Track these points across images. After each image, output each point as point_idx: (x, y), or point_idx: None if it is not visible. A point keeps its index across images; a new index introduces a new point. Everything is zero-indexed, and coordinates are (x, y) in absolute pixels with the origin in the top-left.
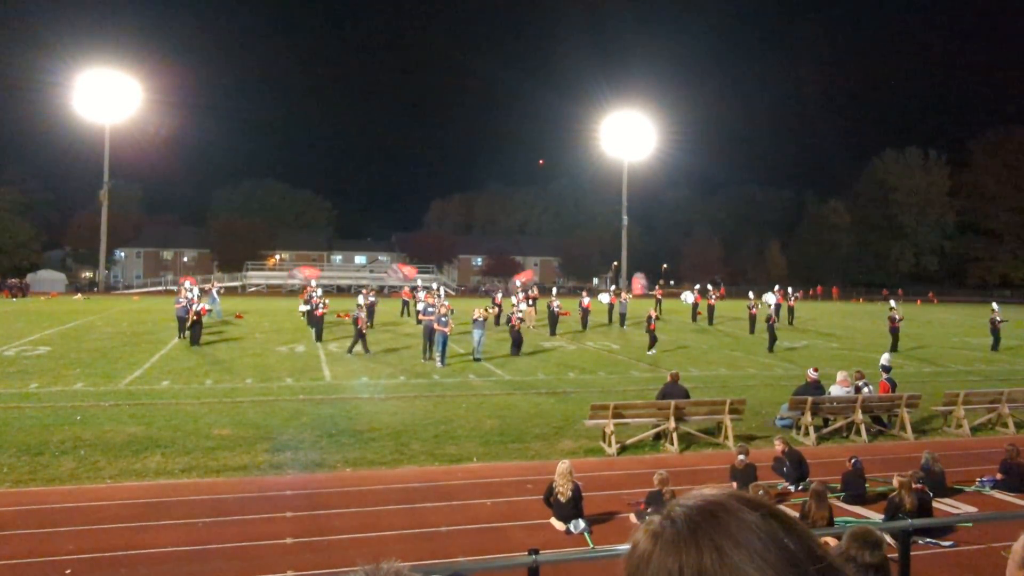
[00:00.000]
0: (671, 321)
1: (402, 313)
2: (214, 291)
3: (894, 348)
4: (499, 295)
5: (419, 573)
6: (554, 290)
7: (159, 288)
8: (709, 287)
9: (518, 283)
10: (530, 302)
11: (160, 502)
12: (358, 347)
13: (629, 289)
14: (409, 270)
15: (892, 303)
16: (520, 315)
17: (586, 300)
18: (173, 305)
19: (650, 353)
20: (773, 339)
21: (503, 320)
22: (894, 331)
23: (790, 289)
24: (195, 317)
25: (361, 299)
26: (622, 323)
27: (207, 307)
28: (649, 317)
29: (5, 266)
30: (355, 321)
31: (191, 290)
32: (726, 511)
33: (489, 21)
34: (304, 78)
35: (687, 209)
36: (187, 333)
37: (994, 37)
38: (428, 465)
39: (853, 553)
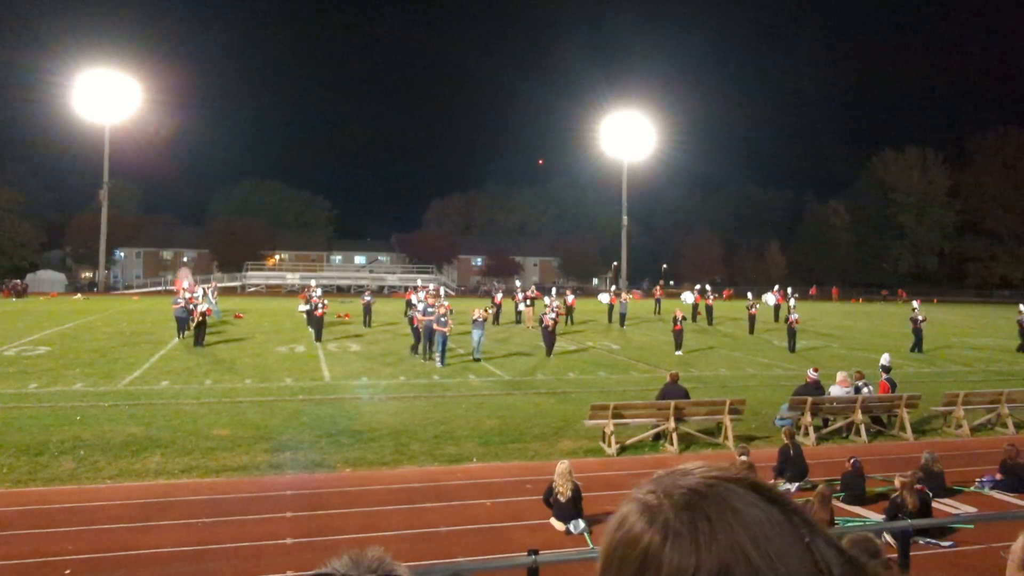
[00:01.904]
0: (670, 322)
1: (406, 313)
2: (210, 292)
3: (919, 349)
4: (498, 295)
5: (400, 563)
6: (553, 290)
7: (159, 288)
8: (707, 287)
9: (517, 284)
10: (528, 303)
11: (160, 502)
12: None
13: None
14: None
15: (915, 304)
16: (553, 316)
17: (570, 298)
18: (171, 305)
19: (677, 354)
20: (793, 340)
21: (515, 318)
22: (917, 332)
23: (789, 289)
24: (200, 318)
25: (414, 299)
26: (622, 323)
27: (210, 307)
28: (675, 318)
29: (5, 266)
30: (411, 321)
31: (194, 292)
32: (738, 498)
33: (489, 21)
34: (304, 78)
35: (687, 209)
36: (185, 334)
37: (994, 37)
38: (428, 465)
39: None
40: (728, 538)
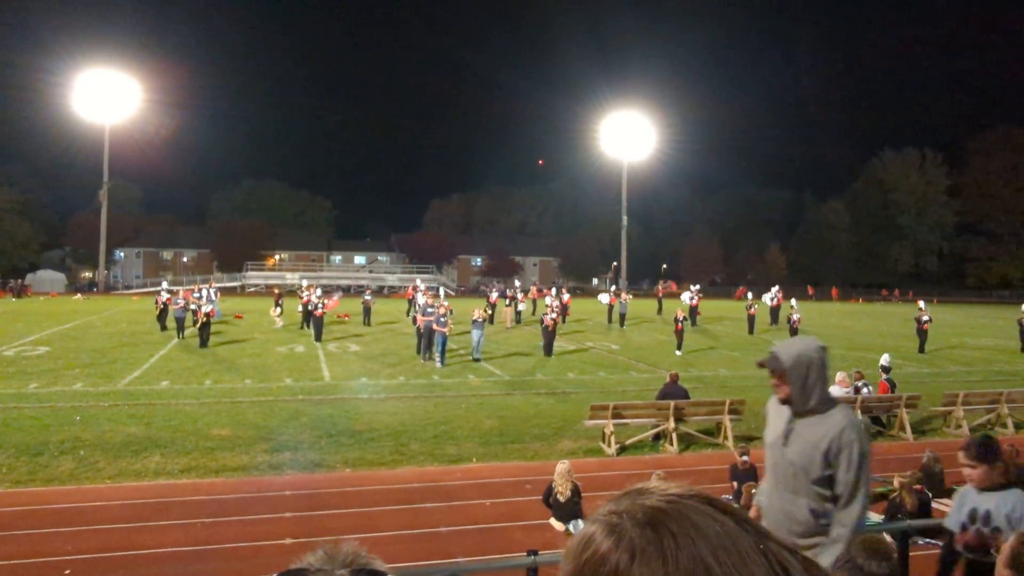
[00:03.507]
0: (670, 322)
1: (408, 313)
2: (212, 292)
3: (921, 350)
4: (493, 295)
5: (378, 558)
6: (552, 291)
7: (159, 288)
8: (692, 287)
9: (517, 284)
10: (508, 302)
11: (159, 502)
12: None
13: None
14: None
15: (921, 304)
16: (553, 315)
17: (566, 296)
18: (172, 306)
19: (677, 354)
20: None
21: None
22: (921, 332)
23: (773, 290)
24: (204, 319)
25: (420, 298)
26: (622, 323)
27: (214, 308)
28: (676, 318)
29: (5, 266)
30: (414, 321)
31: (199, 294)
32: (697, 513)
33: (489, 20)
34: (304, 78)
35: (687, 209)
36: (184, 334)
37: (994, 37)
38: (427, 465)
39: (860, 562)
40: (691, 552)
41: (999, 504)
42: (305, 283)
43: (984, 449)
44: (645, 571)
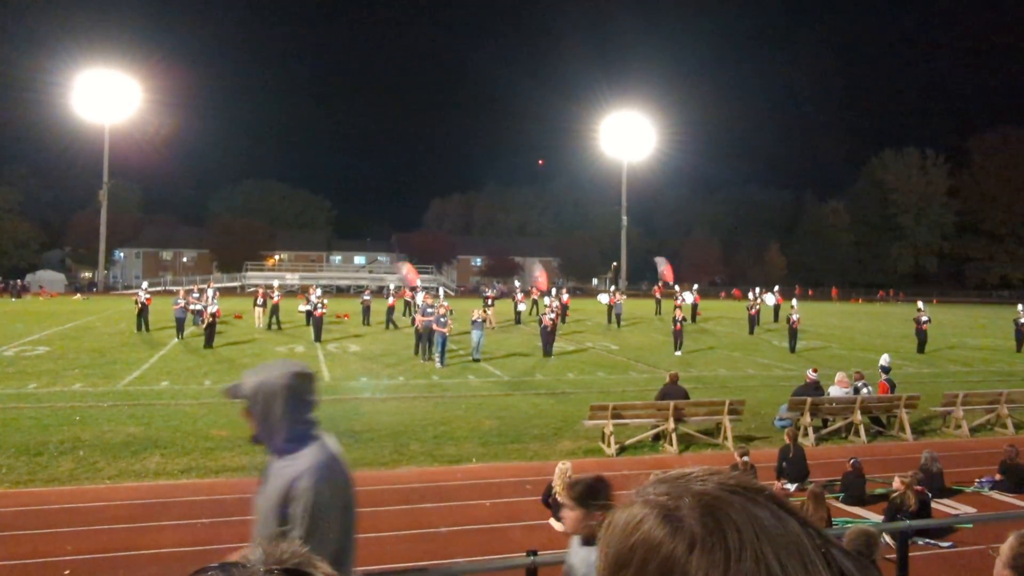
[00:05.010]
0: (669, 323)
1: (404, 313)
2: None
3: (921, 350)
4: (489, 294)
5: (320, 559)
6: (552, 291)
7: (158, 289)
8: (677, 288)
9: (517, 284)
10: (490, 303)
11: (159, 502)
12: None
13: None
14: (410, 272)
15: (920, 304)
16: (552, 315)
17: (565, 296)
18: (171, 306)
19: (677, 354)
20: (794, 340)
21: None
22: (920, 333)
23: (757, 290)
24: (210, 319)
25: (419, 298)
26: (618, 323)
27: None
28: (675, 318)
29: (5, 266)
30: (412, 322)
31: (198, 294)
32: (760, 509)
33: (489, 21)
34: (304, 78)
35: (687, 209)
36: (184, 334)
37: (994, 37)
38: (427, 466)
39: (865, 551)
40: (755, 550)
41: (583, 562)
42: (276, 283)
43: (586, 492)
44: (705, 563)
